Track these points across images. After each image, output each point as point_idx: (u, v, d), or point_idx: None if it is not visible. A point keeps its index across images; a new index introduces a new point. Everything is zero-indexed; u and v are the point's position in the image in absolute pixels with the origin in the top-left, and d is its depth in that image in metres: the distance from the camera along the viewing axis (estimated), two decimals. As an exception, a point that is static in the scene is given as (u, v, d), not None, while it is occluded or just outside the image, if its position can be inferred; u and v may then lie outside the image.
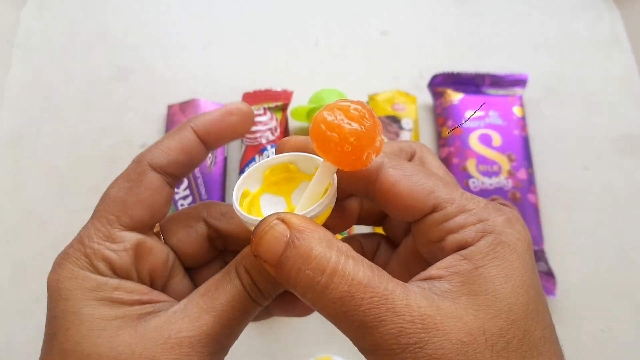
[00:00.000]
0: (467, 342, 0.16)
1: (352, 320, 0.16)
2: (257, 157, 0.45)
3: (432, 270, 0.19)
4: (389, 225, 0.25)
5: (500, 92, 0.50)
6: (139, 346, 0.19)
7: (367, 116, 0.18)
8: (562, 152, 0.51)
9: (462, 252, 0.19)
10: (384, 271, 0.18)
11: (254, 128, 0.47)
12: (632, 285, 0.46)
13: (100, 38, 0.54)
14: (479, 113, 0.48)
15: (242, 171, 0.46)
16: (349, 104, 0.18)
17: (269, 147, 0.45)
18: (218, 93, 0.52)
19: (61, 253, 0.22)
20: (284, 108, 0.48)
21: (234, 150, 0.49)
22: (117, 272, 0.21)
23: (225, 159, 0.47)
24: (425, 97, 0.53)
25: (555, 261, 0.46)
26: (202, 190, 0.45)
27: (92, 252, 0.21)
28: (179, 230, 0.24)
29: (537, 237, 0.44)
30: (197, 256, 0.25)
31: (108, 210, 0.22)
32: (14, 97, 0.48)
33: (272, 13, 0.57)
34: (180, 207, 0.44)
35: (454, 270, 0.18)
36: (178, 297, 0.23)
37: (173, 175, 0.23)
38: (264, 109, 0.47)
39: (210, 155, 0.41)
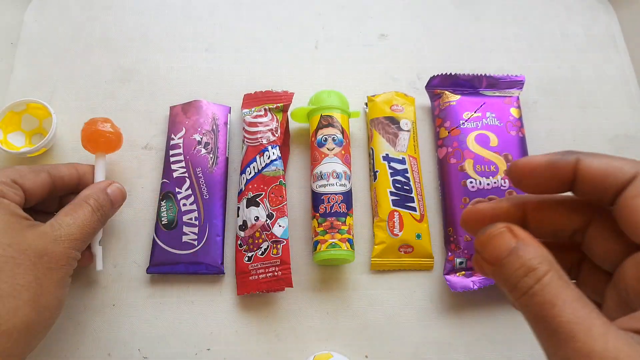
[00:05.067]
0: None
1: (547, 327, 0.18)
2: (257, 157, 0.46)
3: (637, 322, 0.18)
4: (593, 245, 0.22)
5: (497, 93, 0.51)
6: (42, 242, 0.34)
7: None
8: (559, 152, 0.52)
9: None
10: (589, 301, 0.18)
11: (254, 129, 0.47)
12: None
13: (103, 40, 0.55)
14: (477, 114, 0.49)
15: (242, 171, 0.47)
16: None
17: (269, 147, 0.46)
18: (219, 94, 0.52)
19: None
20: (284, 109, 0.49)
21: (235, 150, 0.50)
22: (15, 201, 0.36)
23: (226, 160, 0.48)
24: (424, 99, 0.53)
25: (551, 260, 0.46)
26: (204, 190, 0.45)
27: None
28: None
29: (533, 236, 0.45)
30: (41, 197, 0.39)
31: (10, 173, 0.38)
32: (17, 98, 0.49)
33: (273, 16, 0.57)
34: (182, 206, 0.45)
35: None
36: None
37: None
38: (265, 110, 0.48)
39: (211, 155, 0.47)
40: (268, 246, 0.43)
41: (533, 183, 0.22)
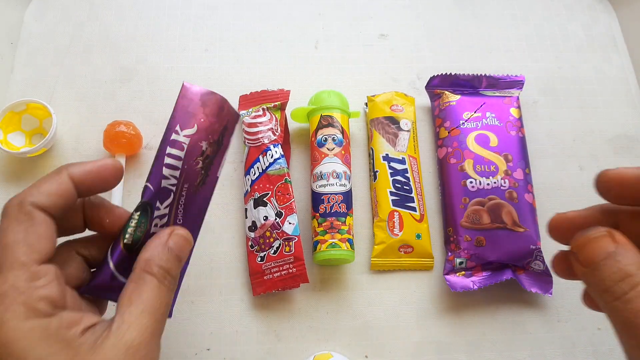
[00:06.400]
0: None
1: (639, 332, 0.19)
2: (261, 157, 0.46)
3: None
4: None
5: (497, 93, 0.51)
6: None
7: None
8: (558, 152, 0.52)
9: None
10: None
11: (254, 129, 0.47)
12: (626, 283, 0.46)
13: (103, 40, 0.55)
14: (477, 114, 0.49)
15: (247, 172, 0.46)
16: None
17: (271, 146, 0.46)
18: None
19: None
20: (282, 107, 0.49)
21: (238, 152, 0.50)
22: (56, 304, 0.24)
23: (216, 181, 0.33)
24: (423, 99, 0.53)
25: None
26: (180, 213, 0.32)
27: (29, 297, 0.23)
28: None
29: (533, 237, 0.45)
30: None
31: (16, 255, 0.24)
32: (17, 98, 0.49)
33: (273, 17, 0.57)
34: (153, 227, 0.31)
35: None
36: (72, 276, 0.29)
37: (52, 215, 0.26)
38: (263, 109, 0.48)
39: (203, 172, 0.32)
40: (280, 244, 0.43)
41: (621, 194, 0.23)
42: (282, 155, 0.46)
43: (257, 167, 0.46)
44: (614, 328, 0.20)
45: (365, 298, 0.45)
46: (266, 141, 0.46)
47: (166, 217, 0.31)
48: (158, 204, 0.31)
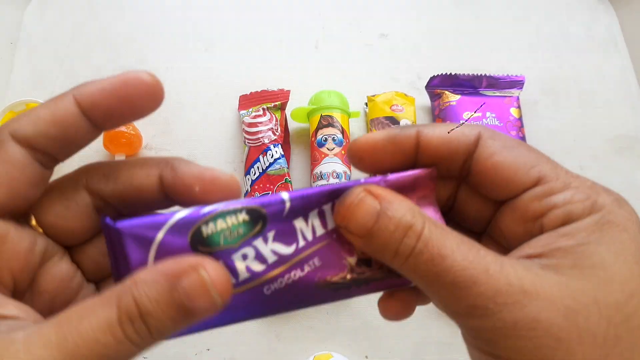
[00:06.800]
0: (575, 308, 0.16)
1: (444, 281, 0.17)
2: (261, 157, 0.46)
3: (527, 249, 0.17)
4: (464, 208, 0.22)
5: (497, 93, 0.51)
6: None
7: None
8: (559, 152, 0.52)
9: (562, 229, 0.17)
10: (474, 241, 0.17)
11: (254, 129, 0.47)
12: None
13: (103, 39, 0.55)
14: (477, 114, 0.49)
15: (247, 172, 0.46)
16: None
17: (271, 146, 0.46)
18: (219, 95, 0.52)
19: None
20: (282, 107, 0.49)
21: (238, 152, 0.50)
22: None
23: (350, 297, 0.23)
24: (424, 99, 0.53)
25: (551, 260, 0.46)
26: (279, 282, 0.20)
27: None
28: (55, 204, 0.19)
29: (533, 236, 0.45)
30: (82, 232, 0.20)
31: None
32: (17, 98, 0.49)
33: (273, 16, 0.57)
34: (235, 255, 0.20)
35: (553, 247, 0.17)
36: (57, 286, 0.19)
37: (43, 151, 0.18)
38: (263, 109, 0.48)
39: (346, 279, 0.22)
40: None
41: (375, 161, 0.20)
42: (282, 155, 0.46)
43: (257, 167, 0.46)
44: (419, 286, 0.19)
45: (365, 298, 0.45)
46: (266, 141, 0.46)
47: (263, 267, 0.19)
48: (271, 234, 0.19)
